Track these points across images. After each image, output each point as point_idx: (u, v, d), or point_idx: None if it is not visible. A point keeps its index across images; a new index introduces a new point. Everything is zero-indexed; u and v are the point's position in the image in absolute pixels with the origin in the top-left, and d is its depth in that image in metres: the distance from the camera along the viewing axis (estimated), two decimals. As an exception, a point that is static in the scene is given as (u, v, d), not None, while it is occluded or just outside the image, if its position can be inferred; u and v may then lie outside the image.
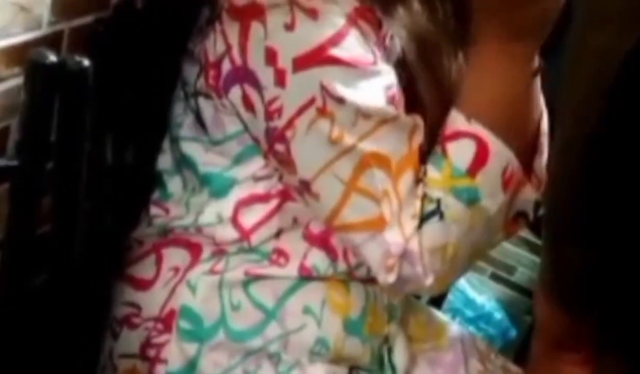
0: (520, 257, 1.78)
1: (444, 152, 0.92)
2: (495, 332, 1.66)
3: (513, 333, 1.66)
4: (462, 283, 1.67)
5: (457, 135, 0.92)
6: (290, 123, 0.89)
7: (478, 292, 1.71)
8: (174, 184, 1.01)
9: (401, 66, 0.94)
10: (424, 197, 0.92)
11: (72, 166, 0.90)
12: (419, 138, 0.92)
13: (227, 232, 0.98)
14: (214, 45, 0.92)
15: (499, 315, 1.69)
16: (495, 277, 1.75)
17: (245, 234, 0.98)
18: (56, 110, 0.87)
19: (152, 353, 0.99)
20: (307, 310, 0.99)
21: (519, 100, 0.94)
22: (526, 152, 0.97)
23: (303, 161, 0.91)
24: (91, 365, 1.05)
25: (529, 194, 0.97)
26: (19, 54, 0.89)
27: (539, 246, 1.71)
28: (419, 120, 0.92)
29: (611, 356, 0.32)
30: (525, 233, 1.72)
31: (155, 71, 1.01)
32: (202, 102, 0.96)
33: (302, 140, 0.90)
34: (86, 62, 0.84)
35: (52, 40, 0.92)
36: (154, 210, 1.02)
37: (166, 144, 1.03)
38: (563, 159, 0.40)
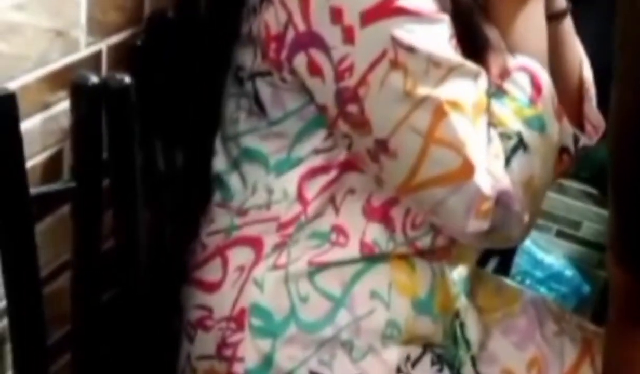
0: (585, 211, 1.75)
1: (503, 91, 0.95)
2: (568, 290, 1.64)
3: (587, 288, 1.63)
4: (529, 244, 1.65)
5: (508, 72, 0.95)
6: (363, 80, 0.89)
7: (545, 252, 1.68)
8: (234, 183, 1.02)
9: (455, 16, 0.94)
10: (501, 135, 0.93)
11: (126, 180, 0.91)
12: (484, 84, 0.93)
13: (292, 208, 0.98)
14: (275, 17, 0.92)
15: (569, 272, 1.66)
16: (561, 235, 1.73)
17: (305, 205, 0.98)
18: (104, 128, 0.88)
19: (228, 352, 1.00)
20: (374, 294, 0.99)
21: (544, 38, 0.98)
22: (572, 100, 0.99)
23: (378, 118, 0.91)
24: (171, 371, 1.06)
25: (568, 127, 1.00)
26: (61, 79, 0.90)
27: (601, 199, 1.68)
28: (480, 67, 0.93)
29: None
30: (586, 187, 1.69)
31: (200, 73, 1.01)
32: (260, 83, 0.97)
33: (377, 96, 0.89)
34: (127, 80, 0.85)
35: (91, 61, 0.93)
36: (219, 212, 1.03)
37: (218, 145, 1.04)
38: (623, 104, 0.38)
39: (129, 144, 0.89)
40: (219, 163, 1.03)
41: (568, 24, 1.05)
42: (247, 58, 0.97)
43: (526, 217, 0.94)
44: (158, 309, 1.04)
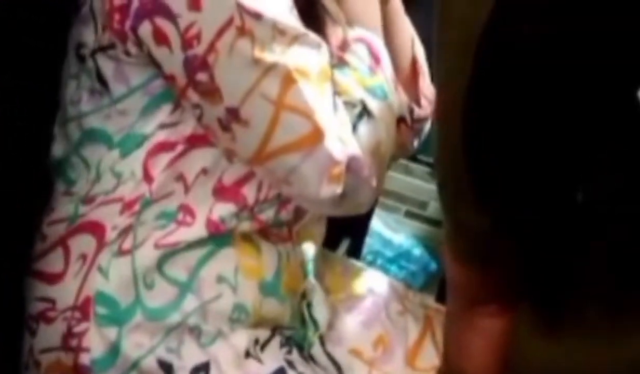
0: (431, 192, 1.80)
1: (344, 62, 0.98)
2: (417, 268, 1.69)
3: (433, 266, 1.69)
4: (379, 224, 1.69)
5: (347, 43, 0.99)
6: (211, 47, 0.90)
7: (394, 231, 1.73)
8: (76, 168, 0.99)
9: None
10: (346, 104, 0.96)
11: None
12: (326, 54, 0.95)
13: (138, 188, 0.97)
14: None
15: (417, 251, 1.71)
16: (409, 215, 1.77)
17: (150, 183, 0.97)
18: None
19: (74, 342, 0.98)
20: (220, 279, 0.99)
21: (378, 12, 1.03)
22: (406, 76, 1.05)
23: (229, 85, 0.91)
24: (13, 366, 1.03)
25: (403, 98, 1.05)
26: None
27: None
28: (321, 39, 0.95)
29: (525, 305, 0.32)
30: (431, 169, 1.75)
31: (33, 54, 0.98)
32: (102, 60, 0.95)
33: (226, 63, 0.90)
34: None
35: None
36: (62, 200, 1.00)
37: (57, 130, 1.01)
38: (442, 124, 0.40)
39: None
40: (58, 149, 1.01)
41: (396, 6, 1.10)
42: (89, 34, 0.95)
43: (374, 183, 0.97)
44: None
